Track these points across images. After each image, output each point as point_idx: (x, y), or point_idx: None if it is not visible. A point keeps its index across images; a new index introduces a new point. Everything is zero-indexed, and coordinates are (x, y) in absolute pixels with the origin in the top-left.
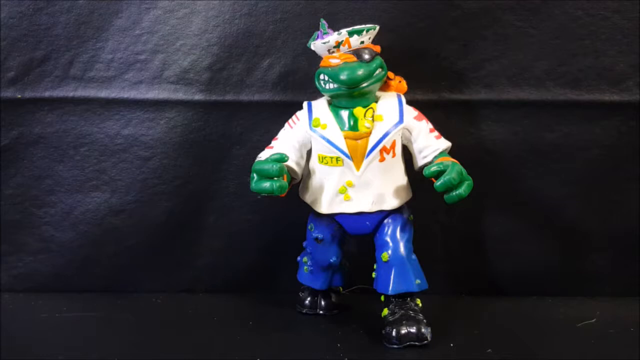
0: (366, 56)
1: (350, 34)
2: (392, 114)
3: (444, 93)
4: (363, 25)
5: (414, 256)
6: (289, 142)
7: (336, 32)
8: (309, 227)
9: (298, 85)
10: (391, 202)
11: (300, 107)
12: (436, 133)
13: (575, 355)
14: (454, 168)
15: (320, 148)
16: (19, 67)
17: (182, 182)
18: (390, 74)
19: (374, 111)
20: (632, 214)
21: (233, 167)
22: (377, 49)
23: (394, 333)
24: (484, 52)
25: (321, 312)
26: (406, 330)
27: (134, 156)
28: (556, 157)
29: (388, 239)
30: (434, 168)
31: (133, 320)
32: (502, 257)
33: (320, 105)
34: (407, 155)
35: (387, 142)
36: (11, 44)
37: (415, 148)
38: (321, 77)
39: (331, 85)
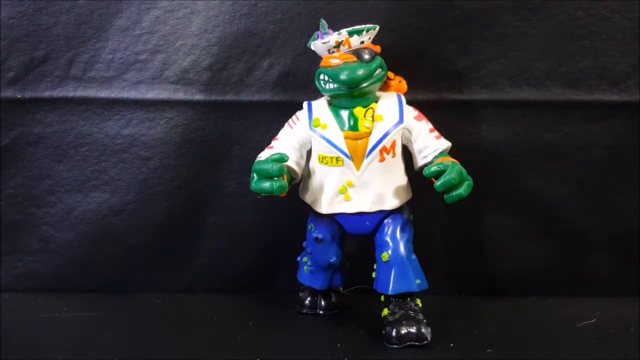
0: (366, 56)
1: (350, 34)
2: (392, 114)
3: (444, 93)
4: (363, 25)
5: (414, 256)
6: (289, 142)
7: (336, 32)
8: (309, 227)
9: (298, 85)
10: (391, 202)
11: (300, 107)
12: (436, 133)
13: (575, 355)
14: (454, 168)
15: (320, 148)
16: (19, 67)
17: (182, 182)
18: (390, 74)
19: (374, 111)
20: (632, 214)
21: (233, 167)
22: (377, 49)
23: (394, 333)
24: (484, 52)
25: (321, 312)
26: (406, 330)
27: (134, 156)
28: (556, 157)
29: (388, 239)
30: (434, 168)
31: (133, 320)
32: (502, 257)
33: (320, 105)
34: (407, 155)
35: (387, 142)
36: (11, 44)
37: (415, 148)
38: (321, 77)
39: (331, 85)
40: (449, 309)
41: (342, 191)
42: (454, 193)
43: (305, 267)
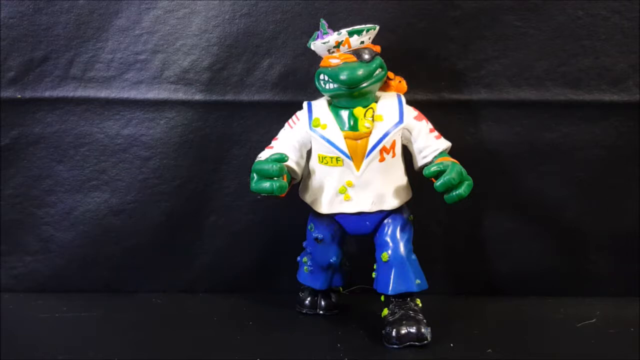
0: (366, 56)
1: (350, 34)
2: (392, 114)
3: (444, 93)
4: (363, 25)
5: (413, 256)
6: (289, 142)
7: (336, 32)
8: (309, 227)
9: (298, 85)
10: (391, 202)
11: (300, 107)
12: (436, 133)
13: (575, 355)
14: (453, 168)
15: (320, 148)
16: (19, 67)
17: (182, 182)
18: (390, 74)
19: (374, 111)
20: (632, 214)
21: (233, 167)
22: (377, 49)
23: (394, 333)
24: (484, 52)
25: (321, 312)
26: (406, 330)
27: (134, 156)
28: (556, 157)
29: (388, 239)
30: (434, 168)
31: (133, 320)
32: (502, 257)
33: (320, 105)
34: (407, 155)
35: (387, 142)
36: (11, 44)
37: (415, 148)
38: (321, 77)
39: (331, 85)
40: (449, 309)
41: (342, 191)
42: (454, 193)
43: (305, 267)
